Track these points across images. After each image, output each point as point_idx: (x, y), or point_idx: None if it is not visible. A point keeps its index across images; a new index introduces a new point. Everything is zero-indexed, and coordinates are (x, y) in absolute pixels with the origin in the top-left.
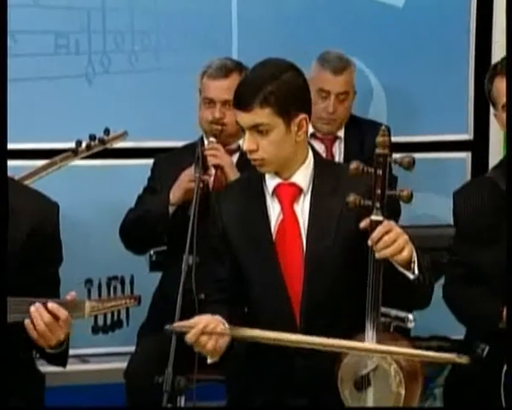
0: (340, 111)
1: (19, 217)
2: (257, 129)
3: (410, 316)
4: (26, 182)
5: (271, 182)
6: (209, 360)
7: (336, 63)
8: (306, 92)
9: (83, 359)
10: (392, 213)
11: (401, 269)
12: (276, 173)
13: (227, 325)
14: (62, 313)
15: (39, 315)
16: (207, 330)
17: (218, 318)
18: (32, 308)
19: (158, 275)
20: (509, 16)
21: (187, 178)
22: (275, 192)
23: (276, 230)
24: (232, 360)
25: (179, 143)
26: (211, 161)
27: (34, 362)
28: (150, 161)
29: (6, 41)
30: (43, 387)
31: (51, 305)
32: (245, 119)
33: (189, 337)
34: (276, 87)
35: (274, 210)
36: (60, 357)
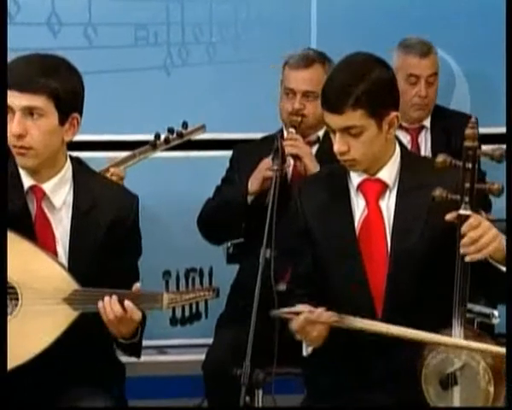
0: (431, 95)
1: (99, 209)
2: (348, 131)
3: (496, 312)
4: (106, 174)
5: (356, 177)
6: (305, 352)
7: (421, 46)
8: (396, 87)
9: (161, 350)
10: (482, 207)
11: (492, 261)
12: (363, 169)
13: (328, 312)
14: (131, 307)
15: (110, 306)
16: (312, 317)
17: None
18: (106, 298)
19: (237, 266)
20: (509, 16)
21: (265, 167)
22: (360, 188)
23: (359, 226)
24: (311, 354)
25: (258, 135)
26: (289, 151)
27: (115, 352)
28: (229, 153)
29: (6, 41)
30: (124, 377)
31: (127, 303)
32: (336, 121)
33: (294, 325)
34: (367, 87)
35: (358, 206)
36: (133, 347)
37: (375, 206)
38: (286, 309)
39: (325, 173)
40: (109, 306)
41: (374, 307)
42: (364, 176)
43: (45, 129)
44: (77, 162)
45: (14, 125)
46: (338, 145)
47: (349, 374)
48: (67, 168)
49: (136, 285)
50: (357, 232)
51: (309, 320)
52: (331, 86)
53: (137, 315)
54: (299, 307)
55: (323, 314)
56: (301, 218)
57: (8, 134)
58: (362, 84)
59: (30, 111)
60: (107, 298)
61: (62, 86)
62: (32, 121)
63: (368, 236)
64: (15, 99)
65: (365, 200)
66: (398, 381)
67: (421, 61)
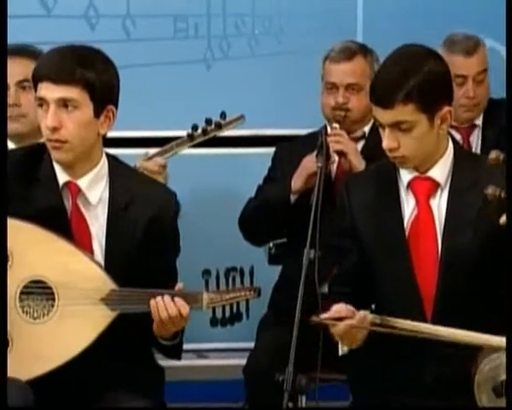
0: (481, 94)
1: (137, 206)
2: (398, 126)
3: None
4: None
5: (406, 175)
6: (340, 352)
7: (466, 44)
8: (449, 81)
9: (200, 354)
10: None
11: None
12: (413, 167)
13: (370, 315)
14: (182, 304)
15: (165, 306)
16: (354, 323)
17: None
18: (159, 298)
19: (279, 266)
20: (509, 16)
21: (309, 164)
22: (410, 186)
23: (409, 225)
24: (356, 359)
25: (301, 132)
26: (333, 147)
27: (154, 356)
28: (271, 150)
29: (6, 40)
30: (163, 381)
31: (177, 299)
32: (385, 116)
33: (336, 331)
34: (419, 80)
35: (408, 205)
36: (175, 349)
37: (425, 205)
38: (326, 315)
39: (373, 170)
40: (163, 304)
41: (423, 309)
42: (415, 174)
43: (80, 121)
44: (112, 158)
45: (48, 118)
46: (387, 141)
47: (398, 379)
48: (103, 164)
49: (179, 285)
50: (406, 232)
51: (351, 326)
52: (381, 79)
53: (186, 311)
54: (338, 308)
55: (365, 319)
56: (348, 215)
57: (43, 127)
58: (413, 78)
59: (64, 103)
60: (159, 297)
61: (97, 77)
62: (66, 114)
63: (417, 236)
64: (49, 91)
65: (415, 199)
66: (449, 386)
67: (466, 60)
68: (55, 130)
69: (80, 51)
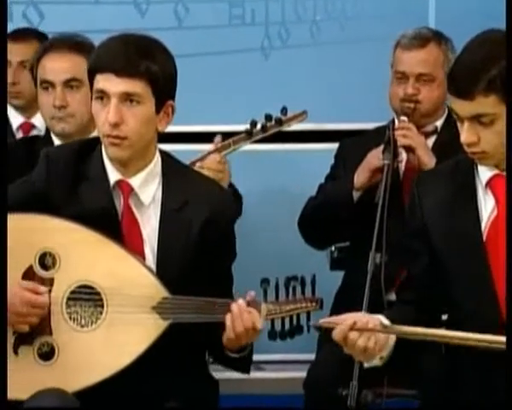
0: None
1: (192, 207)
2: (478, 119)
3: None
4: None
5: (485, 172)
6: (366, 364)
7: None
8: None
9: (258, 366)
10: None
11: None
12: (494, 164)
13: (387, 323)
14: (256, 316)
15: (240, 317)
16: (356, 326)
17: (377, 316)
18: (235, 308)
19: (342, 273)
20: (508, 16)
21: (373, 159)
22: (489, 184)
23: (487, 227)
24: (426, 373)
25: (367, 126)
26: (401, 141)
27: (207, 367)
28: (333, 146)
29: (6, 39)
30: (217, 394)
31: (252, 311)
32: (465, 108)
33: (336, 334)
34: (501, 69)
35: (486, 205)
36: (244, 362)
37: (506, 206)
38: (328, 319)
39: (448, 166)
40: (239, 317)
41: (500, 316)
42: (495, 171)
43: (142, 117)
44: (166, 156)
45: (110, 113)
46: (466, 135)
47: (473, 391)
48: (156, 161)
49: (251, 294)
50: (484, 234)
51: (352, 329)
52: (460, 68)
53: (260, 323)
54: (344, 316)
55: (370, 323)
56: (418, 215)
57: (100, 122)
58: (496, 67)
59: (127, 97)
60: (236, 307)
61: (161, 70)
62: (128, 109)
63: (497, 239)
64: (112, 84)
65: (495, 198)
66: None
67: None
68: (116, 125)
69: (143, 42)
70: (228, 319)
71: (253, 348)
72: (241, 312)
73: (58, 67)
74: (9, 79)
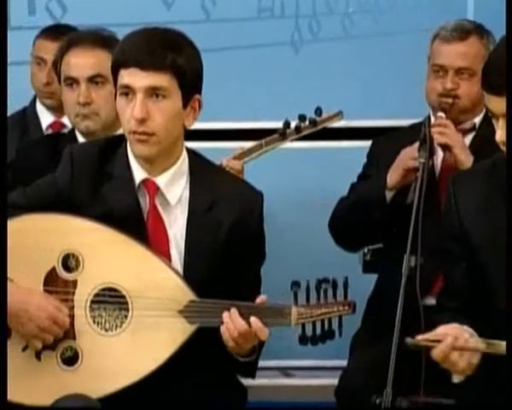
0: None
1: (220, 208)
2: None
3: None
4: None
5: None
6: (455, 379)
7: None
8: None
9: (287, 372)
10: None
11: None
12: None
13: (477, 337)
14: (258, 326)
15: (232, 323)
16: (458, 344)
17: (466, 328)
18: (225, 314)
19: (375, 276)
20: (508, 16)
21: (407, 157)
22: None
23: None
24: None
25: (402, 123)
26: (437, 139)
27: (236, 373)
28: (366, 144)
29: (6, 39)
30: (245, 401)
31: (253, 320)
32: (499, 105)
33: (437, 354)
34: None
35: None
36: (249, 367)
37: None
38: (425, 336)
39: (485, 165)
40: (231, 322)
41: None
42: None
43: (169, 112)
44: (193, 154)
45: (136, 108)
46: (501, 133)
47: None
48: (183, 160)
49: (262, 297)
50: None
51: (453, 348)
52: (493, 63)
53: (264, 335)
54: (441, 331)
55: (470, 341)
56: (455, 216)
57: (125, 118)
58: None
59: (153, 92)
60: (226, 314)
61: (187, 63)
62: (154, 103)
63: None
64: (137, 78)
65: None
66: None
67: None
68: (142, 121)
69: (168, 34)
70: (223, 328)
71: (259, 354)
72: (232, 316)
73: (82, 62)
74: (43, 79)
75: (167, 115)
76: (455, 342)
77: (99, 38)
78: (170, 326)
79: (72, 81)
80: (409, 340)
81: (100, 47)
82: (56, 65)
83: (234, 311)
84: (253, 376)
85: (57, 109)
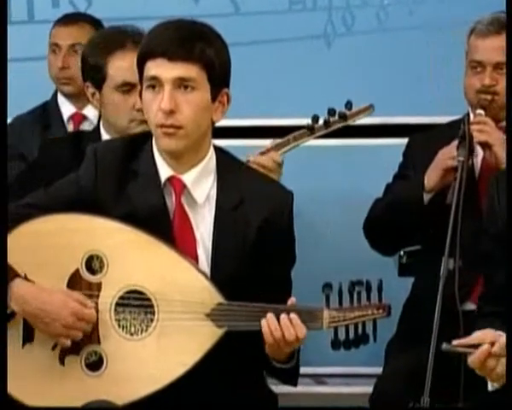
0: None
1: (249, 207)
2: None
3: None
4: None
5: None
6: (490, 387)
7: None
8: None
9: (319, 379)
10: None
11: None
12: None
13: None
14: (298, 324)
15: (280, 326)
16: (495, 350)
17: (501, 333)
18: (271, 316)
19: (411, 279)
20: (509, 16)
21: (445, 157)
22: None
23: None
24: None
25: (440, 120)
26: (477, 137)
27: (266, 380)
28: (402, 141)
29: (6, 38)
30: (276, 408)
31: (293, 317)
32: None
33: (474, 361)
34: None
35: None
36: (290, 373)
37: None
38: (461, 341)
39: None
40: (274, 323)
41: None
42: None
43: (198, 105)
44: (220, 151)
45: (164, 100)
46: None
47: None
48: (211, 157)
49: (292, 299)
50: None
51: (490, 355)
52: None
53: (304, 333)
54: (478, 336)
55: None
56: (498, 217)
57: (153, 111)
58: None
59: (182, 83)
60: (270, 315)
61: (216, 55)
62: (182, 95)
63: None
64: (165, 69)
65: None
66: None
67: None
68: (170, 113)
69: (196, 26)
70: (264, 325)
71: (299, 360)
72: (282, 319)
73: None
74: (59, 64)
75: (196, 108)
76: (492, 348)
77: (133, 39)
78: (197, 330)
79: (130, 87)
80: (444, 345)
81: (133, 47)
82: (100, 67)
83: (283, 316)
84: (294, 383)
85: (77, 99)
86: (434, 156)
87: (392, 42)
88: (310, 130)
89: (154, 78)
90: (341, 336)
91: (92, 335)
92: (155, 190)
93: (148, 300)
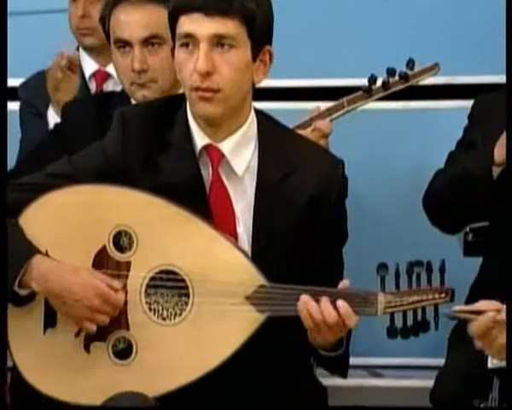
0: None
1: (295, 179)
2: None
3: None
4: (302, 131)
5: None
6: (490, 364)
7: None
8: None
9: (374, 371)
10: None
11: None
12: None
13: None
14: (347, 310)
15: (315, 308)
16: (500, 316)
17: None
18: (307, 299)
19: (478, 260)
20: (509, 16)
21: None
22: None
23: None
24: None
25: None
26: None
27: (313, 371)
28: (467, 103)
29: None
30: (326, 403)
31: (341, 303)
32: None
33: (476, 328)
34: None
35: None
36: (339, 362)
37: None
38: (464, 307)
39: None
40: (313, 308)
41: None
42: None
43: (237, 64)
44: (262, 116)
45: (200, 60)
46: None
47: None
48: (251, 123)
49: (344, 282)
50: None
51: (495, 322)
52: None
53: (353, 320)
54: (482, 304)
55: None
56: None
57: (186, 73)
58: None
59: (219, 41)
60: (305, 296)
61: (258, 8)
62: (220, 55)
63: None
64: (200, 25)
65: None
66: None
67: None
68: (207, 75)
69: None
70: (301, 310)
71: (349, 348)
72: (323, 303)
73: (134, 21)
74: (79, 12)
75: (235, 68)
76: (497, 316)
77: None
78: (236, 315)
79: (125, 44)
80: (446, 311)
81: (154, 1)
82: (104, 21)
83: (324, 298)
84: (344, 374)
85: (99, 54)
86: (504, 119)
87: None
88: (367, 92)
89: (188, 35)
90: (398, 323)
91: (120, 320)
92: (189, 160)
93: (183, 281)
